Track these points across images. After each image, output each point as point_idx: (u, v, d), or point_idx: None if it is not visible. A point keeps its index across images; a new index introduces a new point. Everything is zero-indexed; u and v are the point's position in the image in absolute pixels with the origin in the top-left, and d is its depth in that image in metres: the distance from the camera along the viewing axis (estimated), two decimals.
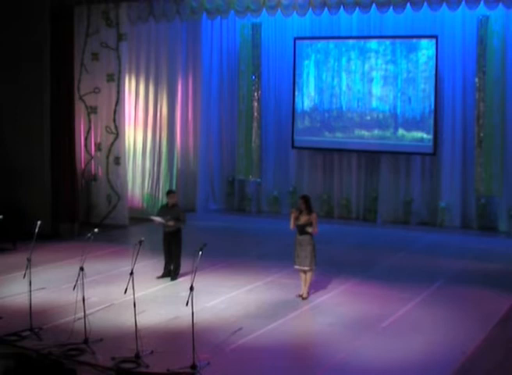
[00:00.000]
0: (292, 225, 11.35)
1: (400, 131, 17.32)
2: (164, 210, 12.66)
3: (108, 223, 16.56)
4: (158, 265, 12.79)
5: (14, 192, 16.05)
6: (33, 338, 9.61)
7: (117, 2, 16.62)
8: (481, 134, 16.37)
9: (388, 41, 17.33)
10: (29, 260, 10.00)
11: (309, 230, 11.21)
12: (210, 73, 19.28)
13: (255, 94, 18.81)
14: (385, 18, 16.81)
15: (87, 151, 17.30)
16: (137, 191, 18.38)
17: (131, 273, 9.05)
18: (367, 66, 17.54)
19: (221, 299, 11.44)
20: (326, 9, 15.69)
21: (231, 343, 9.52)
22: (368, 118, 17.62)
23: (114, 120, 17.04)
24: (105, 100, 17.03)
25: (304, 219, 11.23)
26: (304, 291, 11.43)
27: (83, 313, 9.61)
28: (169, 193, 12.92)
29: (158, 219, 12.59)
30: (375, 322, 10.35)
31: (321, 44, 18.05)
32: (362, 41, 17.60)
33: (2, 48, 16.37)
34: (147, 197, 18.33)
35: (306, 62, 18.21)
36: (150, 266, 12.92)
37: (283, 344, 9.60)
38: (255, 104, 18.85)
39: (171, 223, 12.28)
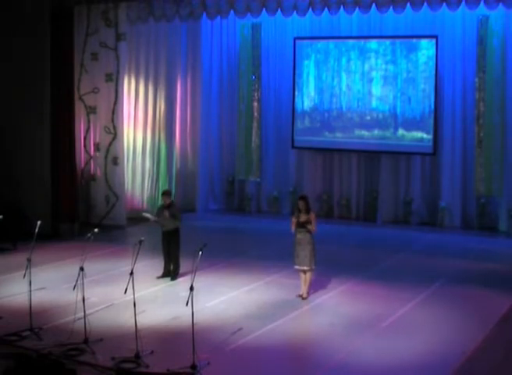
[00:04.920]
0: (293, 230, 11.34)
1: (400, 131, 17.32)
2: (161, 210, 12.70)
3: (106, 224, 16.54)
4: (158, 265, 12.79)
5: (14, 192, 16.05)
6: (33, 338, 9.61)
7: (116, 2, 16.61)
8: (481, 134, 16.38)
9: (388, 41, 17.33)
10: (29, 260, 10.00)
11: (309, 226, 11.22)
12: (210, 73, 19.29)
13: (255, 94, 18.81)
14: (385, 18, 16.80)
15: (86, 151, 17.29)
16: (137, 192, 18.38)
17: (131, 273, 9.05)
18: (367, 66, 17.54)
19: (221, 299, 11.44)
20: (326, 9, 15.68)
21: (231, 343, 9.52)
22: (368, 118, 17.62)
23: (112, 120, 17.02)
24: (104, 100, 17.01)
25: (303, 218, 11.25)
26: (303, 290, 11.43)
27: (83, 313, 9.61)
28: (164, 193, 12.98)
29: (149, 216, 12.84)
30: (375, 322, 10.35)
31: (321, 44, 18.05)
32: (362, 41, 17.60)
33: (2, 47, 16.37)
34: (149, 197, 18.32)
35: (306, 62, 18.21)
36: (150, 266, 12.91)
37: (283, 344, 9.60)
38: (255, 104, 18.85)
39: (166, 213, 12.33)
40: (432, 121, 16.98)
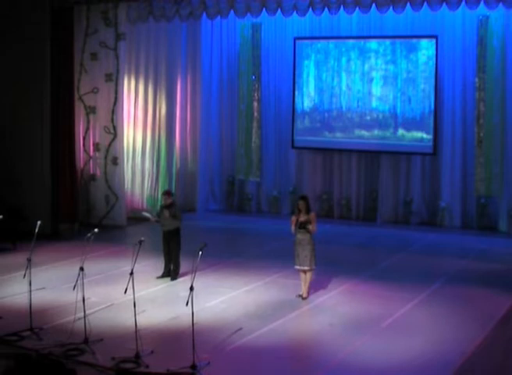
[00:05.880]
0: (293, 229, 11.34)
1: (400, 131, 17.32)
2: (161, 210, 12.71)
3: (106, 224, 16.54)
4: (158, 265, 12.79)
5: (14, 192, 16.05)
6: (33, 338, 9.61)
7: (116, 2, 16.60)
8: (481, 134, 16.38)
9: (388, 41, 17.33)
10: (29, 260, 10.00)
11: (309, 227, 11.22)
12: (210, 73, 19.28)
13: (255, 94, 18.81)
14: (385, 18, 16.79)
15: (86, 151, 17.27)
16: (137, 192, 18.38)
17: (131, 273, 9.06)
18: (367, 66, 17.54)
19: (221, 299, 11.44)
20: (326, 9, 15.68)
21: (231, 343, 9.52)
22: (368, 118, 17.62)
23: (112, 120, 17.02)
24: (104, 100, 16.99)
25: (303, 218, 11.25)
26: (303, 290, 11.43)
27: (83, 313, 9.61)
28: (164, 193, 12.98)
29: (148, 215, 12.93)
30: (375, 322, 10.35)
31: (321, 44, 18.05)
32: (362, 41, 17.59)
33: (2, 48, 16.37)
34: (149, 197, 18.34)
35: (306, 62, 18.21)
36: (150, 266, 12.92)
37: (283, 344, 9.60)
38: (255, 104, 18.85)
39: (166, 213, 12.34)
40: (432, 121, 16.98)
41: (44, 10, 16.10)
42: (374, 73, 17.50)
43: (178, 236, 12.53)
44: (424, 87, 16.97)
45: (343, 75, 17.81)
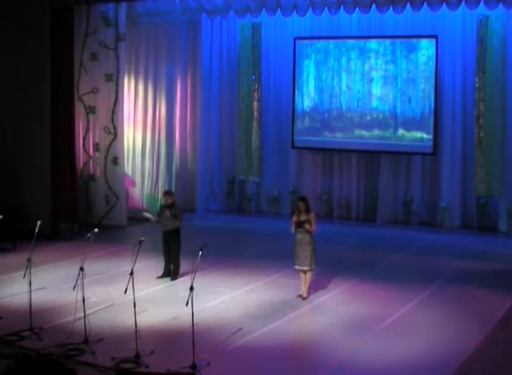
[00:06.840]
0: (293, 230, 11.34)
1: (400, 131, 17.31)
2: (162, 210, 12.72)
3: (106, 224, 16.54)
4: (158, 265, 12.79)
5: (14, 192, 16.05)
6: (33, 338, 9.62)
7: (116, 2, 16.60)
8: (481, 134, 16.37)
9: (388, 41, 17.32)
10: (29, 260, 10.01)
11: (307, 226, 11.22)
12: (210, 73, 19.26)
13: (255, 94, 18.80)
14: (385, 18, 16.78)
15: (86, 151, 17.28)
16: (137, 192, 18.39)
17: (131, 273, 9.06)
18: (367, 66, 17.53)
19: (221, 299, 11.44)
20: (326, 9, 15.69)
21: (231, 343, 9.52)
22: (368, 118, 17.61)
23: (112, 121, 17.03)
24: (104, 100, 17.01)
25: (303, 218, 11.25)
26: (303, 290, 11.43)
27: (83, 313, 9.61)
28: (165, 193, 12.98)
29: (149, 215, 12.96)
30: (375, 322, 10.35)
31: (321, 44, 18.04)
32: (362, 41, 17.58)
33: (2, 48, 16.37)
34: (148, 197, 18.35)
35: (306, 62, 18.20)
36: (150, 266, 12.93)
37: (283, 344, 9.60)
38: (255, 104, 18.84)
39: (167, 213, 12.35)
40: (432, 121, 16.98)
41: (44, 10, 16.11)
42: (374, 73, 17.49)
43: (178, 236, 12.54)
44: (424, 87, 16.97)
45: (343, 75, 17.80)
